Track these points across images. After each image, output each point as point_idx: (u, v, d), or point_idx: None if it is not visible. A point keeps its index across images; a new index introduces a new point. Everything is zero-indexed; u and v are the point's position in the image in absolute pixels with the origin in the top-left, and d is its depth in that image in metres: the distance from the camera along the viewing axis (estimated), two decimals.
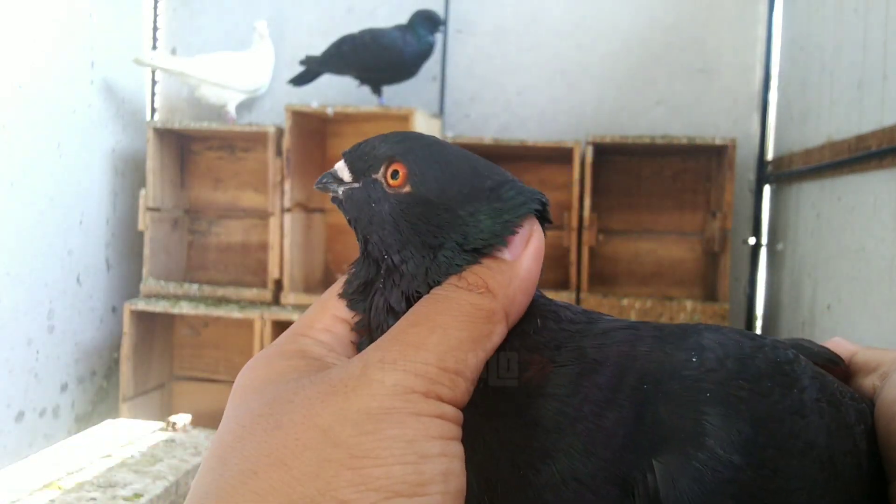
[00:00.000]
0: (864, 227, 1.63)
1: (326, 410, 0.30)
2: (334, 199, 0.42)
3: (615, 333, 0.37)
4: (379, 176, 0.39)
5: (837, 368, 0.42)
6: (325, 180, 0.42)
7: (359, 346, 0.38)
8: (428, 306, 0.34)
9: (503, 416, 0.35)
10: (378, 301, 0.38)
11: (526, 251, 0.36)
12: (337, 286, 0.40)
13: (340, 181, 0.41)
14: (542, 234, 0.38)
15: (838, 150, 1.79)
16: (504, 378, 0.35)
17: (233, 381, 0.36)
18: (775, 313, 2.33)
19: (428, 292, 0.36)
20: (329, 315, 0.39)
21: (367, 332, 0.38)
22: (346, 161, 0.41)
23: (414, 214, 0.37)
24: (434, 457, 0.30)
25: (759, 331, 2.45)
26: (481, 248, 0.37)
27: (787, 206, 2.27)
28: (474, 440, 0.34)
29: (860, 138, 1.66)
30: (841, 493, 0.34)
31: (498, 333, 0.34)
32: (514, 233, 0.36)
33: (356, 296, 0.39)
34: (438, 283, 0.36)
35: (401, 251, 0.38)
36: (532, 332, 0.36)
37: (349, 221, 0.41)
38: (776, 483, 0.32)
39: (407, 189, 0.38)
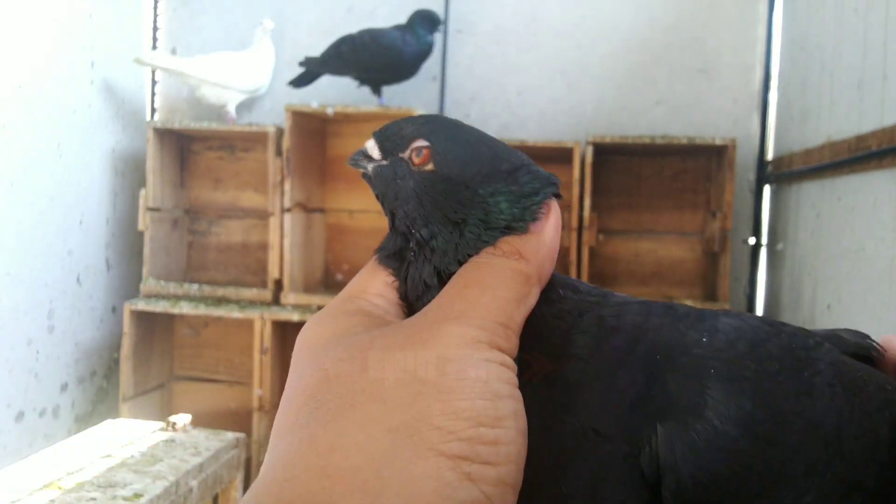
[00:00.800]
0: (864, 227, 1.63)
1: (407, 356, 0.34)
2: (364, 175, 0.45)
3: (630, 306, 0.40)
4: (405, 155, 0.42)
5: (885, 362, 0.43)
6: (356, 157, 0.45)
7: (407, 312, 0.42)
8: (474, 271, 0.38)
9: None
10: (413, 274, 0.41)
11: (547, 223, 0.41)
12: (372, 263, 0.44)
13: (370, 159, 0.44)
14: (559, 210, 0.42)
15: (838, 150, 1.79)
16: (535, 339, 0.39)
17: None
18: (775, 313, 2.33)
19: (458, 267, 0.39)
20: (380, 281, 0.43)
21: (406, 301, 0.42)
22: (375, 140, 0.44)
23: (436, 191, 0.41)
24: (505, 397, 0.34)
25: None
26: (503, 228, 0.40)
27: (787, 206, 2.27)
28: None
29: (860, 138, 1.66)
30: (847, 473, 0.35)
31: (534, 295, 0.39)
32: (536, 218, 0.41)
33: (391, 262, 0.43)
34: (467, 258, 0.40)
35: (427, 225, 0.41)
36: (556, 299, 0.40)
37: (377, 196, 0.44)
38: (770, 454, 0.34)
39: (430, 167, 0.41)
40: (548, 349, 0.38)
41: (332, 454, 0.31)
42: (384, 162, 0.43)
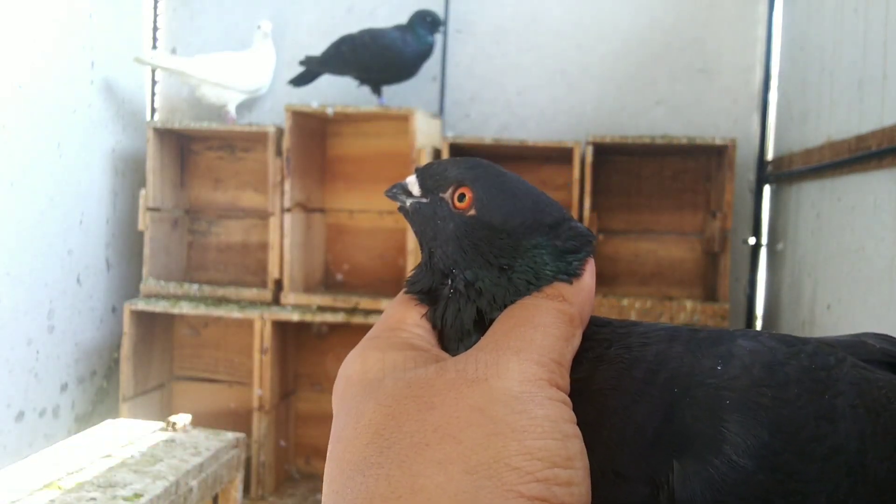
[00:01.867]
0: (864, 227, 1.63)
1: (475, 393, 0.34)
2: (402, 209, 0.46)
3: (654, 334, 0.40)
4: (446, 196, 0.43)
5: None
6: (394, 190, 0.46)
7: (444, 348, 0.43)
8: (522, 311, 0.39)
9: None
10: (454, 314, 0.42)
11: (586, 272, 0.42)
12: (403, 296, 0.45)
13: (409, 194, 0.45)
14: (593, 262, 0.43)
15: (838, 150, 1.79)
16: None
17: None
18: (775, 313, 2.33)
19: (500, 312, 0.40)
20: (416, 313, 0.43)
21: (440, 338, 0.42)
22: (417, 177, 0.45)
23: (477, 236, 0.42)
24: (572, 437, 0.34)
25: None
26: (550, 279, 0.41)
27: (787, 206, 2.27)
28: None
29: (860, 138, 1.66)
30: (873, 497, 0.34)
31: (578, 336, 0.39)
32: (578, 274, 0.42)
33: (423, 298, 0.43)
34: (512, 303, 0.40)
35: (471, 268, 0.42)
36: (589, 335, 0.40)
37: (415, 232, 0.45)
38: (790, 486, 0.33)
39: (472, 212, 0.42)
40: (572, 384, 0.37)
41: (414, 496, 0.31)
42: (424, 199, 0.44)
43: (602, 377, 0.38)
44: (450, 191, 0.43)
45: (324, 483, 0.36)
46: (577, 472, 0.33)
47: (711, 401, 0.35)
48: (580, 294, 0.41)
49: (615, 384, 0.37)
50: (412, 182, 0.45)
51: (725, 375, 0.36)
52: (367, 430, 0.35)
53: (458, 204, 0.42)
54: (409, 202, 0.45)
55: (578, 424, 0.35)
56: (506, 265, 0.41)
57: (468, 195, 0.42)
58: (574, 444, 0.34)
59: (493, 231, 0.41)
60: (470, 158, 0.45)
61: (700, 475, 0.33)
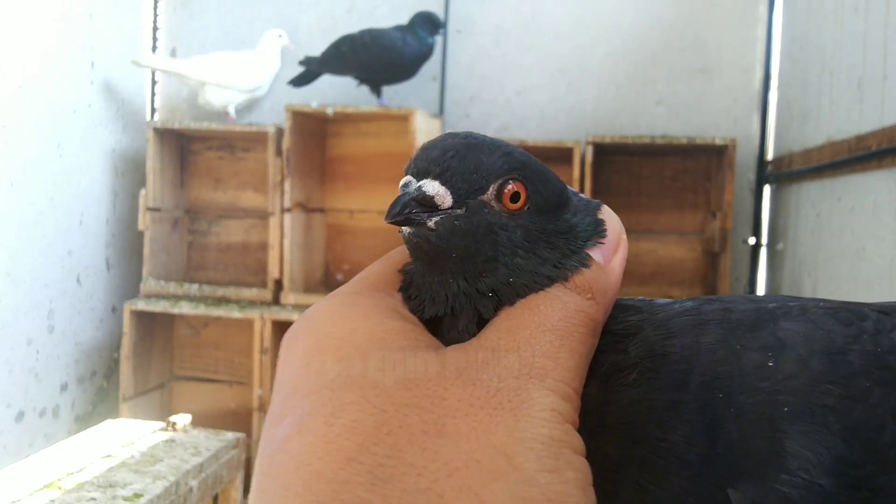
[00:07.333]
0: (864, 227, 1.63)
1: (499, 429, 0.28)
2: (416, 234, 0.33)
3: (677, 320, 0.33)
4: (488, 198, 0.33)
5: None
6: (408, 210, 0.33)
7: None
8: (549, 309, 0.32)
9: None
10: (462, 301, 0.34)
11: (616, 256, 0.35)
12: (395, 257, 0.37)
13: (431, 207, 0.33)
14: (626, 242, 0.37)
15: (838, 150, 1.79)
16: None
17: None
18: None
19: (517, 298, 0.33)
20: (396, 279, 0.36)
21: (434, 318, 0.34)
22: (441, 181, 0.33)
23: (542, 233, 0.34)
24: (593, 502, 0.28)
25: None
26: (585, 241, 0.35)
27: (787, 206, 2.27)
28: None
29: (860, 138, 1.66)
30: None
31: (595, 345, 0.33)
32: (603, 234, 0.35)
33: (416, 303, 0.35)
34: (533, 287, 0.33)
35: (535, 270, 0.34)
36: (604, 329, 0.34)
37: (441, 255, 0.33)
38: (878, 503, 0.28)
39: (526, 208, 0.34)
40: (584, 414, 0.31)
41: None
42: (459, 210, 0.33)
43: (621, 398, 0.31)
44: (492, 190, 0.33)
45: (262, 477, 0.28)
46: None
47: (765, 408, 0.29)
48: (608, 291, 0.34)
49: (639, 405, 0.31)
50: (439, 191, 0.33)
51: (780, 373, 0.29)
52: (350, 437, 0.27)
53: (510, 205, 0.33)
54: (432, 221, 0.33)
55: (598, 463, 0.29)
56: (550, 253, 0.34)
57: (521, 191, 0.34)
58: None
59: (546, 219, 0.34)
60: (474, 137, 0.35)
61: (766, 501, 0.27)
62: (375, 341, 0.30)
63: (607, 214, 0.36)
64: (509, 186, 0.33)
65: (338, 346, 0.30)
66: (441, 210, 0.33)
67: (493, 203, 0.33)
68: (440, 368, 0.29)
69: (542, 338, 0.31)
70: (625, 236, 0.36)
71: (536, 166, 0.35)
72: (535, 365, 0.30)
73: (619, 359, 0.32)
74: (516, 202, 0.33)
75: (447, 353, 0.30)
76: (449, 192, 0.33)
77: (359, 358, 0.29)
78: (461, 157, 0.33)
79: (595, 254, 0.34)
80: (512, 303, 0.33)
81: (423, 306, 0.34)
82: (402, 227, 0.33)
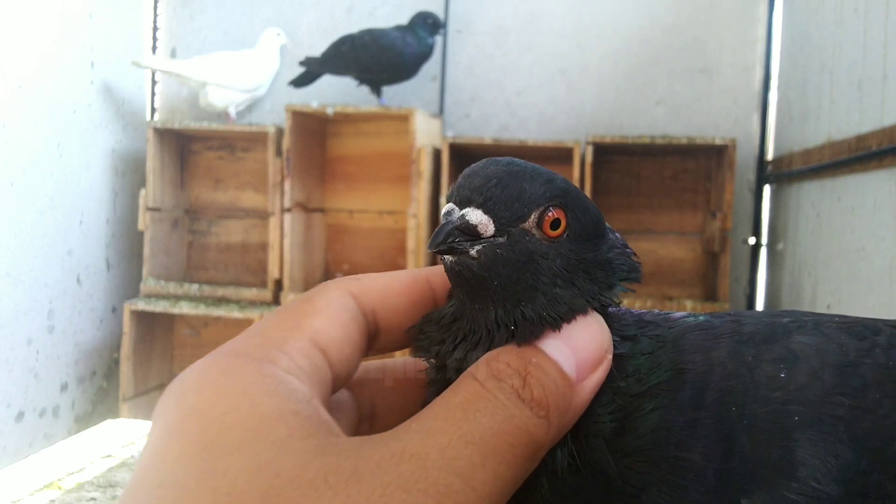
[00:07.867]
0: (864, 227, 1.63)
1: None
2: (459, 262, 0.32)
3: (690, 336, 0.33)
4: (529, 225, 0.33)
5: None
6: (451, 239, 0.32)
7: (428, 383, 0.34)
8: (486, 413, 0.27)
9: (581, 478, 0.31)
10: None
11: (593, 376, 0.31)
12: (318, 294, 0.33)
13: (474, 235, 0.32)
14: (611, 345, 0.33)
15: (838, 150, 1.79)
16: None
17: None
18: None
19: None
20: (307, 338, 0.30)
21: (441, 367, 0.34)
22: (484, 210, 0.33)
23: (581, 262, 0.34)
24: None
25: None
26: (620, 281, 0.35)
27: (787, 206, 2.27)
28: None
29: (860, 138, 1.66)
30: None
31: (531, 469, 0.29)
32: (638, 279, 0.35)
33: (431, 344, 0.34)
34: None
35: (573, 300, 0.33)
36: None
37: (479, 280, 0.33)
38: None
39: (566, 235, 0.33)
40: (599, 448, 0.31)
41: None
42: (501, 239, 0.33)
43: (639, 426, 0.31)
44: (533, 217, 0.33)
45: None
46: None
47: (775, 417, 0.29)
48: (572, 409, 0.30)
49: (658, 431, 0.30)
50: (479, 218, 0.32)
51: (792, 384, 0.30)
52: None
53: (550, 233, 0.33)
54: (474, 250, 0.32)
55: (618, 489, 0.29)
56: (588, 284, 0.34)
57: (562, 218, 0.33)
58: None
59: (585, 249, 0.34)
60: (517, 165, 0.34)
61: None
62: (249, 430, 0.25)
63: (596, 326, 0.32)
64: (550, 213, 0.33)
65: (202, 431, 0.26)
66: (483, 238, 0.32)
67: (534, 230, 0.33)
68: (316, 473, 0.24)
69: (461, 450, 0.26)
70: (610, 356, 0.32)
71: (577, 194, 0.35)
72: (438, 481, 0.25)
73: (634, 386, 0.32)
74: (556, 229, 0.33)
75: (336, 448, 0.26)
76: (492, 221, 0.33)
77: (222, 453, 0.25)
78: (504, 186, 0.33)
79: (568, 363, 0.30)
80: (556, 327, 0.31)
81: (457, 340, 0.33)
82: (445, 256, 0.33)
